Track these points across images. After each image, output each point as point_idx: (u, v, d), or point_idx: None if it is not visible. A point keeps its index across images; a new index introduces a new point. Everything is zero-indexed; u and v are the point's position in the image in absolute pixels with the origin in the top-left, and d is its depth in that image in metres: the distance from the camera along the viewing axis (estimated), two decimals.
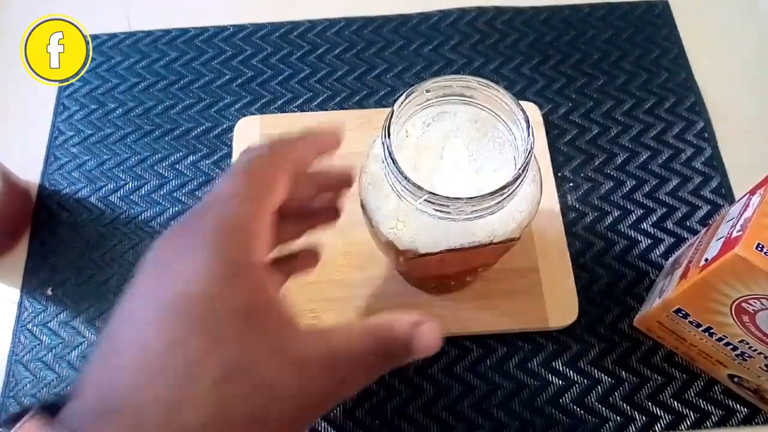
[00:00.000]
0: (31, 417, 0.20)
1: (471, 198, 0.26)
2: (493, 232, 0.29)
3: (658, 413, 0.38)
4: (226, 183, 0.25)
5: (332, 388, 0.23)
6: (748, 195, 0.32)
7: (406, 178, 0.26)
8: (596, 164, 0.46)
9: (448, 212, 0.27)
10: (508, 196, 0.27)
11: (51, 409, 0.20)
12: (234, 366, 0.21)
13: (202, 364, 0.20)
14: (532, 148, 0.27)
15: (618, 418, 0.38)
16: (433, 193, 0.26)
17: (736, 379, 0.36)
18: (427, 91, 0.29)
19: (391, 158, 0.27)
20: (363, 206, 0.31)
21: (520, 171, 0.27)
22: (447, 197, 0.26)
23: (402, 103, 0.28)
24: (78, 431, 0.19)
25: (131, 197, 0.45)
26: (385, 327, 0.25)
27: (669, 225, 0.44)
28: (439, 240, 0.29)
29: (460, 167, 0.30)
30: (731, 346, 0.33)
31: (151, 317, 0.21)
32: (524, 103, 0.47)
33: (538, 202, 0.31)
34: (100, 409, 0.20)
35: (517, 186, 0.27)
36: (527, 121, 0.28)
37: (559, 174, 0.45)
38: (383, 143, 0.27)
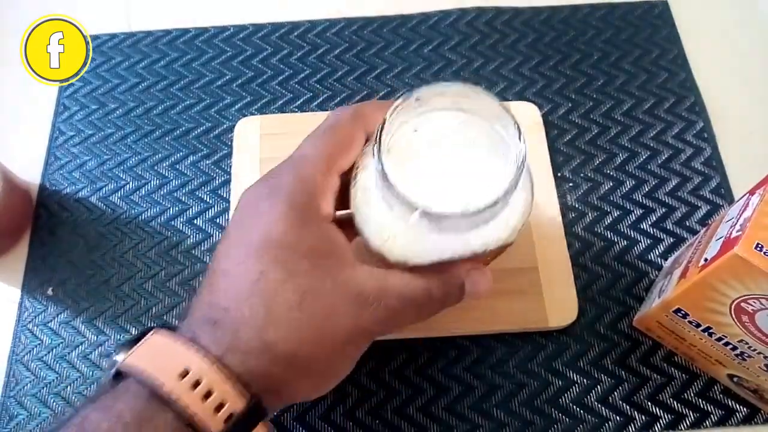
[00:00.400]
0: (154, 332, 0.26)
1: (466, 213, 0.26)
2: (487, 240, 0.29)
3: (658, 413, 0.38)
4: (308, 142, 0.30)
5: (384, 317, 0.28)
6: (747, 195, 0.32)
7: (398, 192, 0.26)
8: (596, 164, 0.46)
9: (442, 227, 0.27)
10: (501, 206, 0.27)
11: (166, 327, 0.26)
12: (305, 294, 0.26)
13: (280, 292, 0.26)
14: (525, 157, 0.27)
15: (617, 417, 0.38)
16: (427, 210, 0.26)
17: (735, 379, 0.36)
18: (418, 99, 0.28)
19: (383, 172, 0.26)
20: (353, 216, 0.30)
21: (514, 181, 0.26)
22: (441, 213, 0.26)
23: (392, 112, 0.28)
24: (194, 335, 0.25)
25: (132, 197, 0.46)
26: (445, 271, 0.29)
27: (668, 225, 0.44)
28: (431, 252, 0.29)
29: (452, 174, 0.29)
30: (731, 346, 0.33)
31: (242, 254, 0.27)
32: (524, 104, 0.47)
33: (531, 204, 0.30)
34: (209, 320, 0.26)
35: (511, 195, 0.27)
36: (519, 129, 0.27)
37: (559, 174, 0.45)
38: (375, 155, 0.27)
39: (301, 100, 0.49)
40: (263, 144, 0.46)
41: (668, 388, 0.38)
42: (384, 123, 0.27)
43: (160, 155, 0.47)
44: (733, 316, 0.31)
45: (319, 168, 0.29)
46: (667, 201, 0.44)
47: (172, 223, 0.44)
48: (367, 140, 0.31)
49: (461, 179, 0.29)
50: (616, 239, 0.43)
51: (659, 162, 0.46)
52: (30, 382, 0.40)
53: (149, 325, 0.41)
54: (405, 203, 0.26)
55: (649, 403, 0.38)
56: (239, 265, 0.27)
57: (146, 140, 0.48)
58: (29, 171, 0.46)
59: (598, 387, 0.39)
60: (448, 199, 0.28)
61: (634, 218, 0.44)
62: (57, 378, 0.40)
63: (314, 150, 0.30)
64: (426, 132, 0.30)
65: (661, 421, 0.38)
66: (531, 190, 0.31)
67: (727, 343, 0.33)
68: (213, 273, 0.28)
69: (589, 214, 0.44)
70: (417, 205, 0.26)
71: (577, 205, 0.44)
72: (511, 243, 0.30)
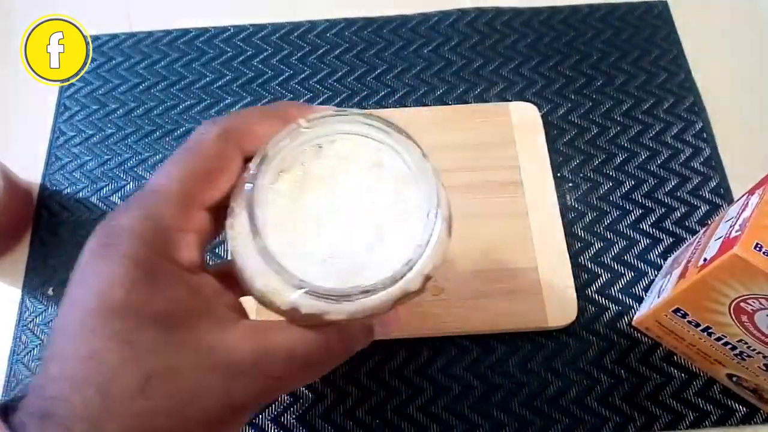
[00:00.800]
0: None
1: (365, 290, 0.22)
2: (393, 295, 0.24)
3: (657, 413, 0.38)
4: (162, 170, 0.24)
5: (264, 387, 0.23)
6: (746, 195, 0.32)
7: (275, 265, 0.22)
8: (595, 164, 0.46)
9: (336, 302, 0.23)
10: (412, 267, 0.23)
11: (8, 406, 0.21)
12: (151, 376, 0.21)
13: (119, 375, 0.20)
14: (437, 209, 0.23)
15: (617, 417, 0.38)
16: (312, 291, 0.22)
17: (735, 379, 0.36)
18: (307, 129, 0.24)
19: (254, 232, 0.22)
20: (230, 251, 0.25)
21: (425, 242, 0.23)
22: (331, 294, 0.22)
23: (277, 144, 0.23)
24: None
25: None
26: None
27: (668, 225, 0.44)
28: (327, 310, 0.23)
29: (354, 212, 0.24)
30: (730, 346, 0.33)
31: (77, 326, 0.21)
32: (523, 104, 0.47)
33: (447, 239, 0.26)
34: (39, 412, 0.20)
35: (421, 255, 0.23)
36: (430, 170, 0.23)
37: (558, 174, 0.45)
38: (247, 208, 0.22)
39: (302, 100, 0.49)
40: None
41: (668, 388, 0.39)
42: (263, 159, 0.23)
43: (160, 156, 0.47)
44: (733, 315, 0.31)
45: (175, 204, 0.23)
46: (666, 201, 0.44)
47: None
48: (246, 160, 0.25)
49: (365, 216, 0.24)
50: (615, 239, 0.43)
51: (659, 162, 0.46)
52: (30, 381, 0.40)
53: None
54: (284, 277, 0.22)
55: (649, 403, 0.38)
56: (72, 340, 0.21)
57: (147, 141, 0.48)
58: (30, 171, 0.47)
59: (598, 387, 0.39)
60: (348, 238, 0.24)
61: (633, 218, 0.44)
62: None
63: (168, 180, 0.23)
64: (325, 157, 0.25)
65: (660, 421, 0.38)
66: (447, 231, 0.26)
67: (726, 343, 0.33)
68: (47, 350, 0.22)
69: (589, 214, 0.44)
70: (299, 284, 0.22)
71: (576, 205, 0.44)
72: (422, 290, 0.25)
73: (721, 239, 0.30)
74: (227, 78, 0.50)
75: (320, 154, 0.25)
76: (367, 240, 0.24)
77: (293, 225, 0.24)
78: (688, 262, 0.34)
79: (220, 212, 0.25)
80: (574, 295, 0.40)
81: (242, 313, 0.25)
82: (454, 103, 0.49)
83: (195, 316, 0.22)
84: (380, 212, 0.24)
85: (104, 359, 0.20)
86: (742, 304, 0.30)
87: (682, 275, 0.34)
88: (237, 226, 0.24)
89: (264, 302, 0.24)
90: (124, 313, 0.21)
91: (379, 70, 0.50)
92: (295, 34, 0.52)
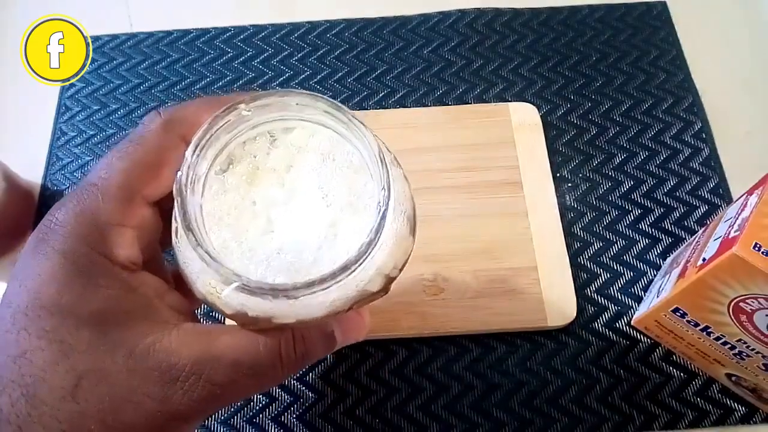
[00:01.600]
0: None
1: (308, 285, 0.20)
2: (351, 297, 0.22)
3: (656, 412, 0.38)
4: (101, 162, 0.23)
5: (207, 396, 0.21)
6: (745, 195, 0.32)
7: (206, 257, 0.20)
8: (594, 164, 0.46)
9: (276, 297, 0.21)
10: (362, 262, 0.21)
11: None
12: (82, 377, 0.20)
13: (49, 376, 0.19)
14: (387, 202, 0.21)
15: (616, 416, 0.38)
16: (245, 285, 0.20)
17: (734, 378, 0.36)
18: (247, 111, 0.22)
19: (186, 226, 0.20)
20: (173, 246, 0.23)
21: (374, 233, 0.21)
22: (268, 287, 0.20)
23: (213, 128, 0.21)
24: None
25: None
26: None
27: (667, 225, 0.44)
28: (274, 312, 0.21)
29: (306, 206, 0.23)
30: (729, 345, 0.33)
31: (9, 326, 0.20)
32: (523, 104, 0.47)
33: (407, 241, 0.24)
34: None
35: (373, 247, 0.21)
36: (382, 160, 0.21)
37: (558, 174, 0.46)
38: (177, 197, 0.20)
39: None
40: None
41: (667, 388, 0.39)
42: (198, 147, 0.21)
43: None
44: (732, 315, 0.31)
45: (113, 198, 0.22)
46: (665, 201, 0.45)
47: None
48: None
49: (319, 202, 0.23)
50: (614, 239, 0.43)
51: (658, 162, 0.46)
52: None
53: None
54: (218, 270, 0.20)
55: (648, 402, 0.38)
56: (2, 338, 0.20)
57: None
58: (31, 171, 0.47)
59: (597, 386, 0.39)
60: (300, 226, 0.22)
61: (632, 218, 0.44)
62: None
63: (108, 173, 0.22)
64: (276, 142, 0.24)
65: (659, 420, 0.38)
66: (408, 225, 0.24)
67: (725, 343, 0.33)
68: None
69: (588, 214, 0.44)
70: (232, 278, 0.20)
71: (575, 205, 0.45)
72: (385, 290, 0.24)
73: (720, 239, 0.31)
74: (228, 78, 0.50)
75: (273, 144, 0.24)
76: (318, 235, 0.22)
77: (238, 219, 0.22)
78: (687, 261, 0.34)
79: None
80: (574, 294, 0.40)
81: (189, 316, 0.23)
82: (454, 104, 0.49)
83: (131, 316, 0.21)
84: (334, 207, 0.23)
85: (33, 359, 0.19)
86: (741, 303, 0.30)
87: (681, 275, 0.34)
88: (176, 213, 0.22)
89: (209, 304, 0.22)
90: (55, 310, 0.20)
91: (379, 71, 0.50)
92: (296, 34, 0.52)
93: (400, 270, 0.24)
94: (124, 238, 0.22)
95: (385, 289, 0.23)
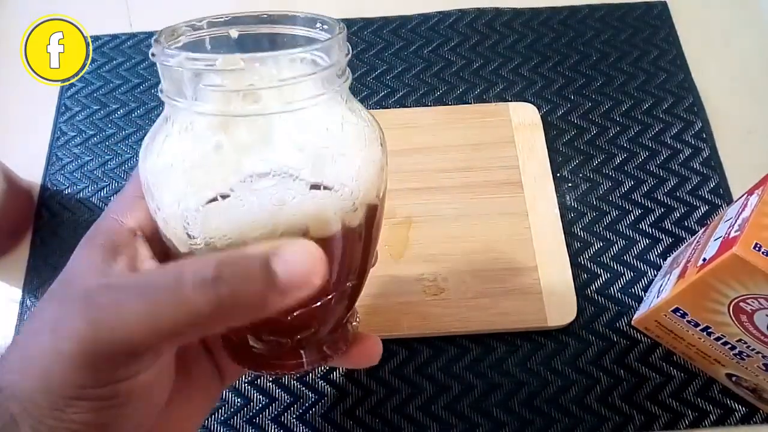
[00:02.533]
0: None
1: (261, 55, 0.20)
2: (305, 212, 0.21)
3: (657, 412, 0.38)
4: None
5: (144, 325, 0.19)
6: (746, 195, 0.33)
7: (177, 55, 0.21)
8: (595, 164, 0.46)
9: (228, 86, 0.21)
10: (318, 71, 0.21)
11: None
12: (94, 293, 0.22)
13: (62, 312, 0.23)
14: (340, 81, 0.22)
15: (616, 417, 0.38)
16: (192, 57, 0.21)
17: (734, 378, 0.36)
18: (196, 29, 0.24)
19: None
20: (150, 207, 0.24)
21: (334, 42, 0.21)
22: (211, 61, 0.20)
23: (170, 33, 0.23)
24: None
25: None
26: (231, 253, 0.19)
27: (667, 225, 0.44)
28: (253, 221, 0.20)
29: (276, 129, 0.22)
30: (729, 346, 0.33)
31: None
32: (523, 104, 0.47)
33: (381, 161, 0.23)
34: None
35: (330, 66, 0.21)
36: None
37: (558, 174, 0.46)
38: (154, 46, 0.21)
39: None
40: None
41: (667, 388, 0.39)
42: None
43: None
44: (732, 315, 0.31)
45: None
46: (665, 201, 0.45)
47: None
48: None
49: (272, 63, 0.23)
50: (614, 239, 0.43)
51: (658, 162, 0.46)
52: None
53: None
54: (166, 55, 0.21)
55: (648, 403, 0.38)
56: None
57: None
58: (31, 171, 0.47)
59: (597, 386, 0.39)
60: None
61: (632, 218, 0.44)
62: None
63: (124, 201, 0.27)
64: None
65: (659, 421, 0.38)
66: (380, 147, 0.24)
67: (725, 343, 0.33)
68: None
69: (588, 214, 0.44)
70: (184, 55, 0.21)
71: (576, 205, 0.45)
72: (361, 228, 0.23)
73: (721, 239, 0.31)
74: None
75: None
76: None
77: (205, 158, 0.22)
78: (688, 261, 0.34)
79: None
80: (574, 294, 0.40)
81: None
82: (454, 103, 0.49)
83: (83, 273, 0.25)
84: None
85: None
86: (741, 303, 0.30)
87: (681, 275, 0.34)
88: (145, 177, 0.24)
89: (175, 239, 0.22)
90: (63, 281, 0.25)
91: (379, 71, 0.50)
92: None
93: (369, 197, 0.22)
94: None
95: (359, 224, 0.22)
